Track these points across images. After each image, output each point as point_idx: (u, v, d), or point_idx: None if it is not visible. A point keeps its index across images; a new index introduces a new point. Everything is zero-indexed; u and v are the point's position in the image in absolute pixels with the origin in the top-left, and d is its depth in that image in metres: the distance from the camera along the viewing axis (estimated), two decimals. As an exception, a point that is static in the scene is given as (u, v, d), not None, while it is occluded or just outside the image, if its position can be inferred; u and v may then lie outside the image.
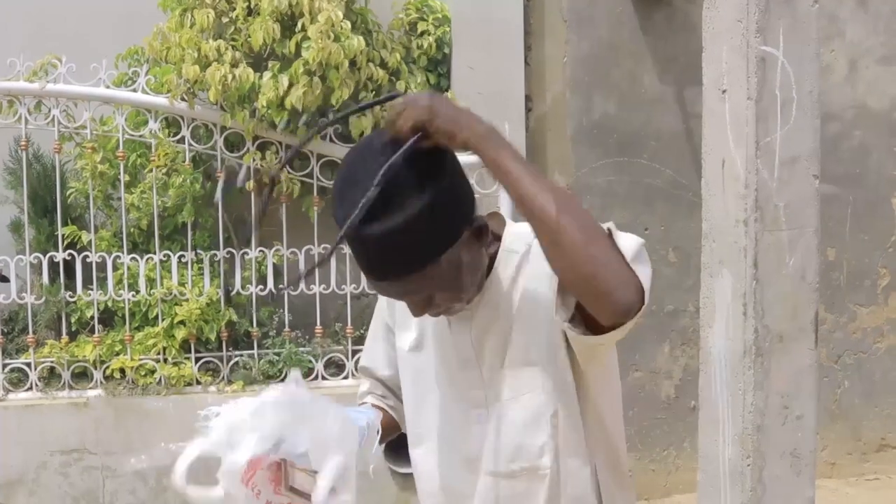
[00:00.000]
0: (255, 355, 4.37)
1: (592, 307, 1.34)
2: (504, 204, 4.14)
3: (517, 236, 1.56)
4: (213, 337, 4.31)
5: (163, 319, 4.28)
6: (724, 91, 2.63)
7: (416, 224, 1.33)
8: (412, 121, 1.32)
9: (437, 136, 1.33)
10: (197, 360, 4.33)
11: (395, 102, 1.38)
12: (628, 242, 1.37)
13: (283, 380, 4.32)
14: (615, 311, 1.33)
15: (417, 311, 1.49)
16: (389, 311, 1.72)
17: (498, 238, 1.56)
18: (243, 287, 4.37)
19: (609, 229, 1.38)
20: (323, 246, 4.37)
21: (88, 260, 4.28)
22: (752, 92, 2.53)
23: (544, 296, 1.48)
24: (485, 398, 1.57)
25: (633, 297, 1.32)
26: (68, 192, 4.39)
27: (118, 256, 4.31)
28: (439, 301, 1.47)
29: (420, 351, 1.65)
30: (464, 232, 1.42)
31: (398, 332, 1.70)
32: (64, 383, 4.23)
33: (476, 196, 1.48)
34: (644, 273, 1.35)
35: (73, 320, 4.32)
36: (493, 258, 1.54)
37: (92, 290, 4.28)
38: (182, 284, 4.32)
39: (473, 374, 1.57)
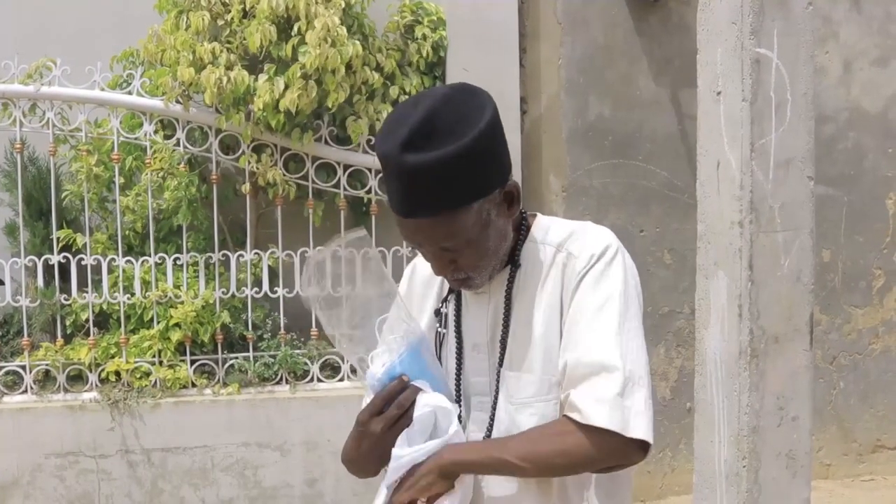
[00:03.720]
0: (251, 358, 4.37)
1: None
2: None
3: (545, 230, 1.57)
4: (207, 339, 4.31)
5: (158, 322, 4.28)
6: (718, 93, 2.63)
7: (453, 162, 1.37)
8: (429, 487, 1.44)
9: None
10: (192, 362, 4.32)
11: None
12: (599, 408, 1.40)
13: (278, 383, 4.33)
14: (623, 467, 1.47)
15: (440, 267, 1.50)
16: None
17: (527, 228, 1.58)
18: (238, 289, 4.36)
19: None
20: (318, 249, 4.35)
21: (83, 263, 4.27)
22: (746, 94, 2.54)
23: (558, 316, 1.50)
24: (488, 387, 1.56)
25: (623, 458, 1.43)
26: (63, 195, 4.38)
27: (113, 259, 4.30)
28: (462, 262, 1.47)
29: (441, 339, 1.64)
30: (497, 189, 1.45)
31: None
32: (59, 386, 4.22)
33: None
34: (637, 422, 1.40)
35: (68, 323, 4.31)
36: (519, 244, 1.55)
37: (87, 292, 4.28)
38: (177, 287, 4.31)
39: (482, 360, 1.57)
